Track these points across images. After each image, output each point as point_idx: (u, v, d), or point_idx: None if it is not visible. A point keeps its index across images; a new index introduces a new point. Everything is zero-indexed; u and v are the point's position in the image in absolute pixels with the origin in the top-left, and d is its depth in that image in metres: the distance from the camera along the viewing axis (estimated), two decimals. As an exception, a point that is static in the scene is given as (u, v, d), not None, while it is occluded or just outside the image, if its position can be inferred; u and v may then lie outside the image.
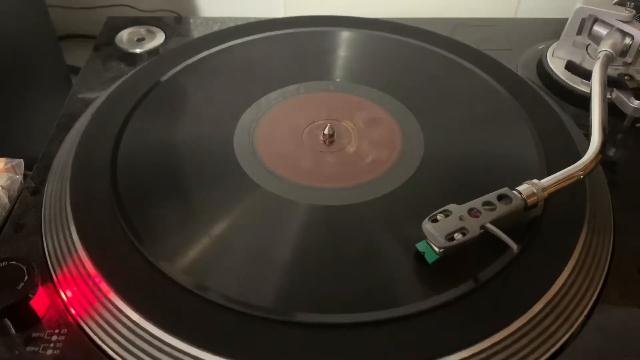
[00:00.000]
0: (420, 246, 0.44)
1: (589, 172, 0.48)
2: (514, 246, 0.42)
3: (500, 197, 0.45)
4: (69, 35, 0.91)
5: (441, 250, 0.42)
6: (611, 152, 0.59)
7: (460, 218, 0.44)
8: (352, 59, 0.68)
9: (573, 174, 0.47)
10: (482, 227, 0.43)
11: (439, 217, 0.44)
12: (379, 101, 0.61)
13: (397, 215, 0.49)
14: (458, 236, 0.43)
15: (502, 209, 0.44)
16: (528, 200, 0.45)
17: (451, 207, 0.44)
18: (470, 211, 0.44)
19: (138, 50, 0.72)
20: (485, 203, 0.45)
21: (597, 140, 0.49)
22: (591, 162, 0.48)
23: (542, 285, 0.44)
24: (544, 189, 0.46)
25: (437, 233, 0.43)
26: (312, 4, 0.88)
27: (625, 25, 0.60)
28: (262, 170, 0.53)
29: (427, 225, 0.43)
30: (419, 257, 0.44)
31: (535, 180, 0.46)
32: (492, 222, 0.43)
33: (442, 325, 0.41)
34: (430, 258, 0.44)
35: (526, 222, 0.47)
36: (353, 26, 0.70)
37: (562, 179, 0.47)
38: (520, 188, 0.46)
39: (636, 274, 0.47)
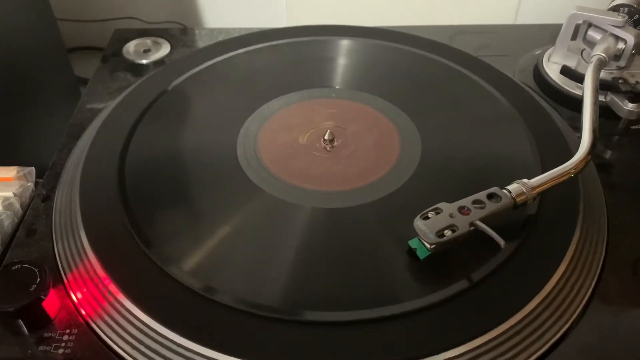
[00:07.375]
0: (412, 243, 0.45)
1: (580, 170, 0.48)
2: (501, 242, 0.43)
3: (490, 196, 0.46)
4: (78, 47, 0.92)
5: (432, 246, 0.43)
6: (607, 154, 0.59)
7: (451, 215, 0.44)
8: (352, 67, 0.68)
9: (563, 173, 0.47)
10: (472, 224, 0.44)
11: (430, 214, 0.44)
12: (378, 107, 0.61)
13: (395, 216, 0.50)
14: (448, 233, 0.43)
15: (491, 207, 0.45)
16: (517, 199, 0.46)
17: (442, 205, 0.45)
18: (461, 209, 0.45)
19: (144, 61, 0.73)
20: (475, 201, 0.45)
21: (587, 140, 0.50)
22: (581, 161, 0.48)
23: (536, 283, 0.44)
24: (533, 188, 0.46)
25: (427, 230, 0.43)
26: (314, 14, 0.88)
27: (618, 30, 0.61)
28: (265, 175, 0.54)
29: (418, 222, 0.44)
30: (415, 256, 0.45)
31: (525, 180, 0.47)
32: (482, 220, 0.44)
33: (438, 323, 0.42)
34: (421, 254, 0.44)
35: (521, 220, 0.48)
36: (353, 35, 0.71)
37: (552, 178, 0.47)
38: (510, 187, 0.46)
39: (630, 273, 0.48)
